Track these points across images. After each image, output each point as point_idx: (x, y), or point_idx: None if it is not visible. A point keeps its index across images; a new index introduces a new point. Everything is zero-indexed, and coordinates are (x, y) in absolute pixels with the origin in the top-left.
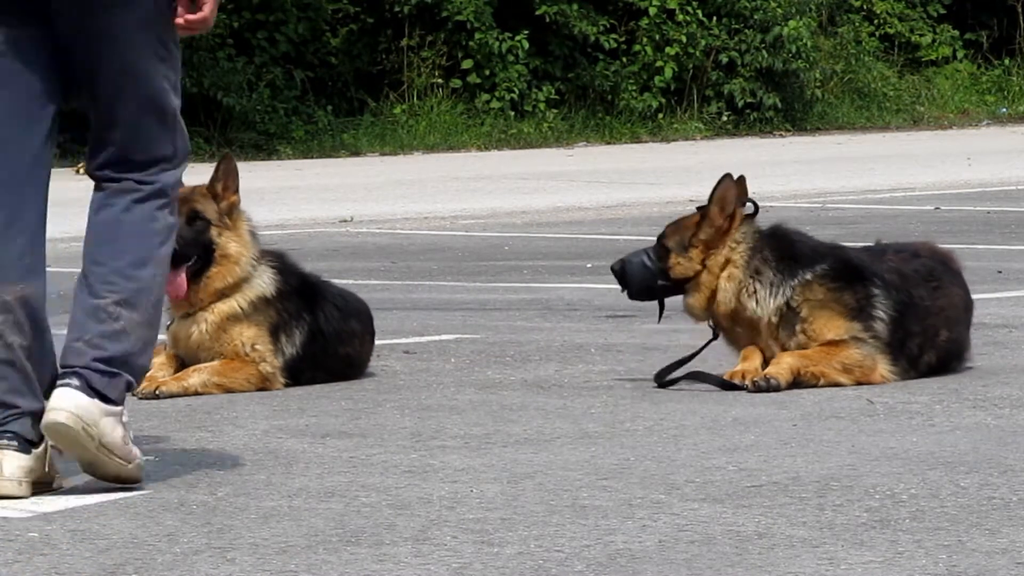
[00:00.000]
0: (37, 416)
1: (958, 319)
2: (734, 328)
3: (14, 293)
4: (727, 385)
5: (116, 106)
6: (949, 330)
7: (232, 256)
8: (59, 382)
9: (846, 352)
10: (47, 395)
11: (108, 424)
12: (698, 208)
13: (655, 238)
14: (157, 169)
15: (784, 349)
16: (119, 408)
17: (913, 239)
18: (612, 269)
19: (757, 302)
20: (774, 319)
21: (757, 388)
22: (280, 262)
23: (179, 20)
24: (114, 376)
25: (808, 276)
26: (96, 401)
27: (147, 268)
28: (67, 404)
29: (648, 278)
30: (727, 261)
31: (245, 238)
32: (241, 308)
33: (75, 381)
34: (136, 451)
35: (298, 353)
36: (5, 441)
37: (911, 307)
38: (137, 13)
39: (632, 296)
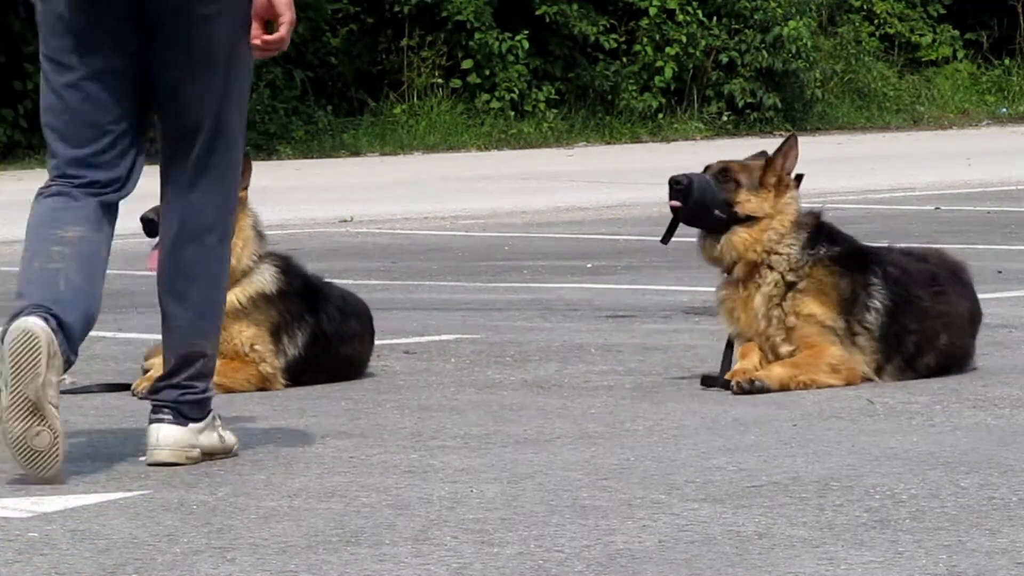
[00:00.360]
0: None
1: (960, 327)
2: (738, 288)
3: (76, 232)
4: (727, 384)
5: (193, 118)
6: (950, 335)
7: None
8: (153, 416)
9: (830, 351)
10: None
11: (204, 437)
12: (765, 157)
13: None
14: (222, 199)
15: (768, 319)
16: (209, 418)
17: (913, 239)
18: (675, 180)
19: (789, 247)
20: (788, 277)
21: (741, 391)
22: (284, 263)
23: (255, 41)
24: (202, 401)
25: (822, 252)
26: (190, 426)
27: (219, 305)
28: (166, 442)
29: (711, 202)
30: (781, 212)
31: (246, 232)
32: (240, 303)
33: (168, 416)
34: (230, 437)
35: (300, 355)
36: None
37: (908, 304)
38: (227, 24)
39: (683, 212)
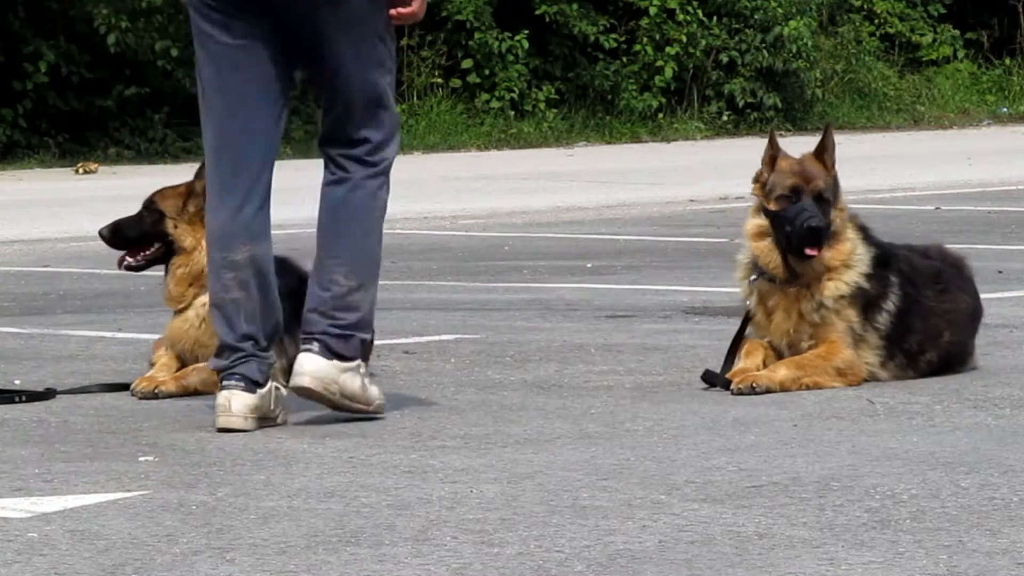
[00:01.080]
0: (261, 360)
1: (963, 324)
2: (783, 289)
3: (242, 253)
4: (728, 384)
5: (330, 95)
6: (953, 333)
7: (187, 248)
8: (302, 347)
9: (841, 355)
10: (268, 345)
11: (347, 378)
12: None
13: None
14: (369, 148)
15: (810, 319)
16: (356, 363)
17: (914, 239)
18: (821, 229)
19: (862, 251)
20: (865, 276)
21: (740, 393)
22: (279, 265)
23: (392, 12)
24: (348, 338)
25: (872, 253)
26: (334, 362)
27: (369, 239)
28: (308, 369)
29: (826, 234)
30: (843, 209)
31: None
32: None
33: (315, 347)
34: (375, 393)
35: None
36: (233, 382)
37: (916, 303)
38: (341, 13)
39: (807, 238)
